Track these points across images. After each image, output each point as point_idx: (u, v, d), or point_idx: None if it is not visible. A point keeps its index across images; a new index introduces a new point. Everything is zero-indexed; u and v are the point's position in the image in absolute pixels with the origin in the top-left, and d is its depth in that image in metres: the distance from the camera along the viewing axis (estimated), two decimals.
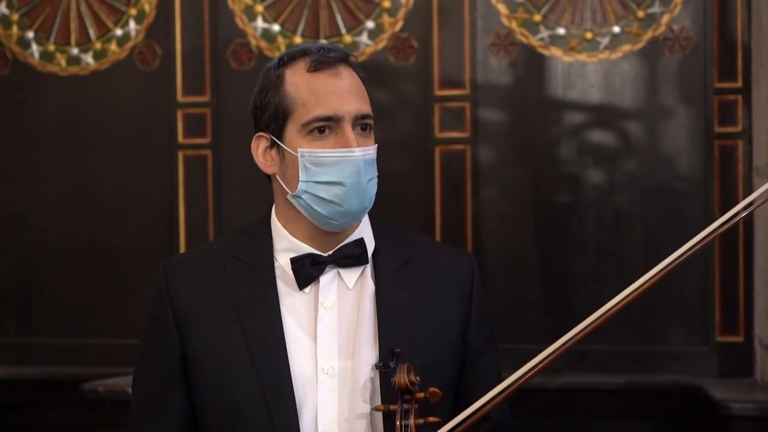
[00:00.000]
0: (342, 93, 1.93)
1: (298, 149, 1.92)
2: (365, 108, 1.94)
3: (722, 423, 3.51)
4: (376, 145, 1.97)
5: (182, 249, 4.23)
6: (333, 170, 1.91)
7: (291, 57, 1.97)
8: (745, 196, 3.88)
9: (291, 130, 1.94)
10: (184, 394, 1.97)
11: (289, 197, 1.96)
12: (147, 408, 1.99)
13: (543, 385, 3.85)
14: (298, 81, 1.94)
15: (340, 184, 1.91)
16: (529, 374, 1.83)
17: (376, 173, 1.97)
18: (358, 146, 1.92)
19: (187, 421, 1.98)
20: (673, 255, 1.79)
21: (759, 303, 3.87)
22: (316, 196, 1.92)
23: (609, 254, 4.01)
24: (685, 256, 1.79)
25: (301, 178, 1.93)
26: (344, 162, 1.91)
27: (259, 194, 4.16)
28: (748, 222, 3.87)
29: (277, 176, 1.97)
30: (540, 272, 4.04)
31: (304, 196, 1.93)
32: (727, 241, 3.89)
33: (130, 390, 3.70)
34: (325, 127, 1.92)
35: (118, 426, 3.75)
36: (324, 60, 1.94)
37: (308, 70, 1.94)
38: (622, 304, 1.79)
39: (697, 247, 1.80)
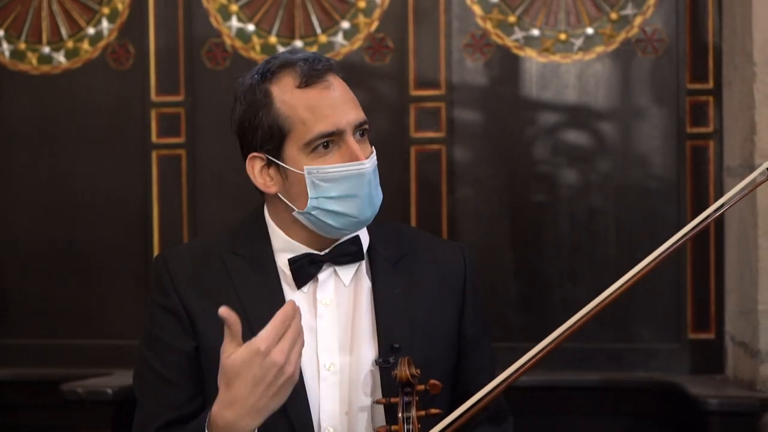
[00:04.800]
0: (339, 105, 1.91)
1: (305, 167, 1.91)
2: (362, 115, 1.94)
3: (700, 419, 3.56)
4: (373, 147, 1.98)
5: (156, 248, 4.22)
6: (344, 184, 1.91)
7: (273, 72, 1.94)
8: (716, 196, 3.97)
9: (291, 149, 1.92)
10: (198, 383, 1.96)
11: (295, 214, 1.95)
12: (159, 397, 1.96)
13: (518, 382, 3.87)
14: (289, 98, 1.92)
15: (353, 197, 1.91)
16: (522, 370, 1.87)
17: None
18: (365, 156, 1.92)
19: (199, 411, 1.96)
20: (646, 259, 1.84)
21: (730, 300, 3.93)
22: (329, 210, 1.92)
23: (583, 253, 4.05)
24: (658, 259, 1.86)
25: (310, 195, 1.92)
26: (355, 175, 1.91)
27: (233, 193, 4.17)
28: (719, 221, 3.93)
29: (279, 195, 1.96)
30: (515, 271, 4.08)
31: (314, 212, 1.93)
32: (698, 240, 3.95)
33: (109, 390, 3.76)
34: (328, 142, 1.91)
35: (99, 426, 3.75)
36: (313, 73, 1.92)
37: (298, 86, 1.92)
38: (598, 308, 1.84)
39: (670, 250, 1.86)
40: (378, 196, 1.95)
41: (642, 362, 4.01)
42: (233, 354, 1.73)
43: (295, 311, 1.73)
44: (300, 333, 1.74)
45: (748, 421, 3.55)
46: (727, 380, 3.90)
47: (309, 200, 1.92)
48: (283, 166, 1.94)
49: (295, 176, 1.93)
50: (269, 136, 1.93)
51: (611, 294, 1.84)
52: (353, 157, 1.90)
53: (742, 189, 1.87)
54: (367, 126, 1.95)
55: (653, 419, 3.92)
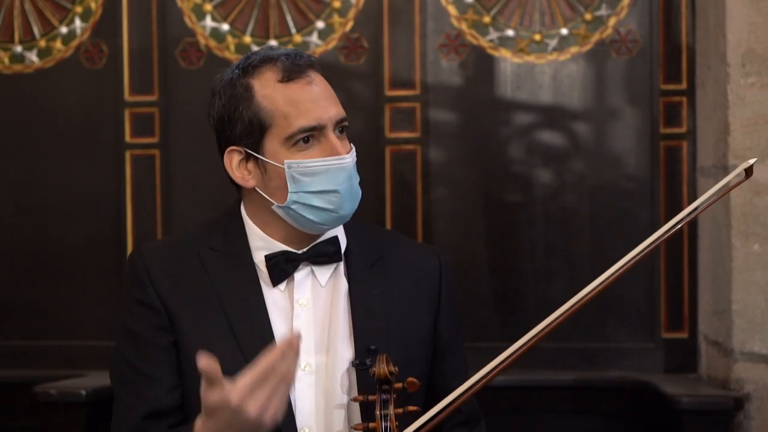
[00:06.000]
0: (320, 100, 1.92)
1: (285, 161, 1.91)
2: (342, 111, 1.96)
3: (674, 417, 3.58)
4: (352, 145, 1.99)
5: (130, 249, 4.19)
6: (325, 179, 1.91)
7: (254, 66, 1.95)
8: (689, 196, 3.99)
9: (272, 143, 1.93)
10: (176, 375, 1.95)
11: (274, 208, 1.95)
12: (137, 389, 1.94)
13: (492, 381, 3.87)
14: (271, 93, 1.92)
15: (334, 192, 1.92)
16: (498, 369, 1.87)
17: None
18: (346, 152, 1.93)
19: (179, 403, 1.96)
20: (620, 261, 1.85)
21: (703, 300, 3.95)
22: (309, 205, 1.92)
23: (558, 253, 4.06)
24: (633, 261, 1.87)
25: (290, 189, 1.92)
26: (335, 169, 1.92)
27: (208, 194, 4.15)
28: (693, 221, 3.95)
29: (257, 189, 1.96)
30: (490, 271, 4.09)
31: (294, 207, 1.93)
32: (672, 240, 3.95)
33: (83, 392, 3.73)
34: (309, 136, 1.91)
35: (72, 428, 3.72)
36: (295, 68, 1.92)
37: (281, 80, 1.92)
38: (572, 309, 1.85)
39: (644, 253, 1.87)
40: (358, 192, 1.96)
41: (616, 362, 4.02)
42: (209, 394, 1.71)
43: (285, 352, 1.69)
44: (285, 376, 1.70)
45: (721, 420, 3.58)
46: (700, 379, 3.92)
47: (289, 194, 1.92)
48: (262, 160, 1.94)
49: (274, 170, 1.93)
50: (249, 130, 1.94)
51: (585, 296, 1.85)
52: (333, 152, 1.91)
53: (716, 192, 1.88)
54: (346, 123, 1.97)
55: (627, 418, 3.93)
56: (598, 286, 1.85)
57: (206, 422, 1.77)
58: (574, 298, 1.84)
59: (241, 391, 1.69)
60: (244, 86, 1.94)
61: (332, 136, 1.92)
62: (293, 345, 1.70)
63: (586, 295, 1.85)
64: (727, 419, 3.59)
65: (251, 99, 1.93)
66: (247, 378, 1.69)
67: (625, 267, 1.85)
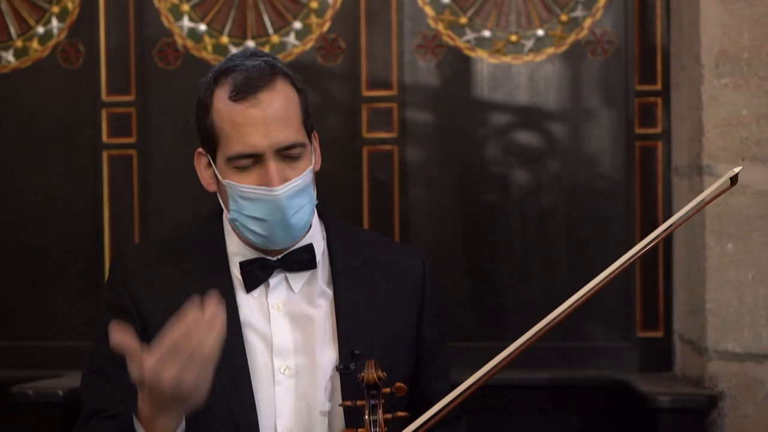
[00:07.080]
0: (261, 126, 1.87)
1: (225, 180, 1.92)
2: (290, 137, 1.90)
3: (650, 415, 3.60)
4: (309, 168, 1.93)
5: (107, 249, 4.18)
6: (256, 206, 1.91)
7: (221, 74, 1.92)
8: (664, 196, 4.02)
9: (219, 159, 1.93)
10: None
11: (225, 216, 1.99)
12: (104, 396, 1.94)
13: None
14: (221, 108, 1.90)
15: (263, 220, 1.91)
16: (489, 374, 1.88)
17: (308, 199, 1.94)
18: (281, 182, 1.89)
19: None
20: (598, 277, 1.87)
21: (678, 299, 3.98)
22: (246, 226, 1.93)
23: (534, 253, 4.08)
24: (609, 277, 1.88)
25: (231, 208, 1.94)
26: (265, 200, 1.90)
27: (185, 194, 4.14)
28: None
29: (218, 195, 1.99)
30: (467, 271, 4.10)
31: (236, 223, 1.95)
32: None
33: (60, 392, 3.72)
34: (250, 160, 1.90)
35: (49, 428, 3.71)
36: (245, 89, 1.88)
37: (230, 98, 1.89)
38: (551, 324, 1.86)
39: (620, 269, 1.88)
40: (296, 222, 1.92)
41: (592, 360, 4.05)
42: (131, 369, 1.70)
43: (191, 328, 1.64)
44: (196, 351, 1.64)
45: (696, 418, 3.60)
46: (675, 378, 3.95)
47: (230, 211, 1.95)
48: (215, 170, 1.96)
49: (222, 184, 1.95)
50: (206, 139, 1.95)
51: (565, 310, 1.86)
52: (267, 182, 1.89)
53: (690, 209, 1.89)
54: (295, 151, 1.91)
55: (603, 417, 3.95)
56: (576, 302, 1.87)
57: (140, 394, 1.75)
58: (556, 310, 1.86)
59: (151, 365, 1.65)
60: (209, 94, 1.93)
61: (270, 164, 1.88)
62: (203, 321, 1.64)
63: (567, 308, 1.87)
64: (702, 417, 3.62)
65: (209, 109, 1.93)
66: (156, 351, 1.66)
67: (603, 282, 1.87)
